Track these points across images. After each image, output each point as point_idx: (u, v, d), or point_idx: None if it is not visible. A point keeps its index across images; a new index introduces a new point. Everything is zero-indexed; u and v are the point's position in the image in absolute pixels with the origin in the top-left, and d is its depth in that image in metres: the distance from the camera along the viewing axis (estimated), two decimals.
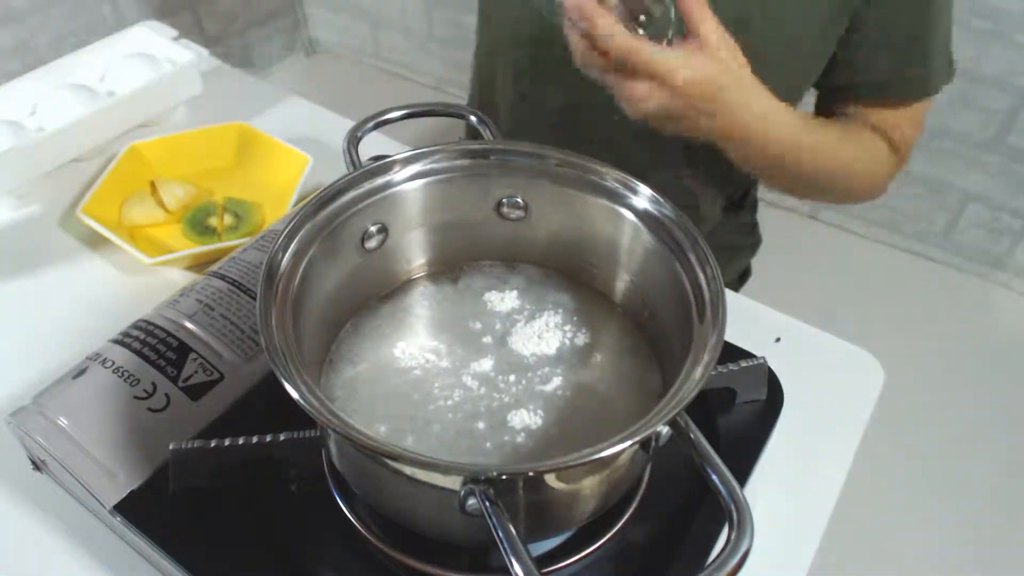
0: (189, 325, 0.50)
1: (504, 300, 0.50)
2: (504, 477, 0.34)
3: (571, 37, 0.54)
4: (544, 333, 0.47)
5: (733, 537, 0.32)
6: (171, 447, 0.43)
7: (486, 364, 0.46)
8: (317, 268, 0.43)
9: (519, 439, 0.42)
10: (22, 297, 0.63)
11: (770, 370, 0.52)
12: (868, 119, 0.76)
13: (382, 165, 0.46)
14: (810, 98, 0.79)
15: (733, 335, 0.47)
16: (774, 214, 0.91)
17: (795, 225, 1.64)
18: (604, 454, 0.33)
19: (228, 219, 0.69)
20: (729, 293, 0.43)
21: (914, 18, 0.71)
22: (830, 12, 0.69)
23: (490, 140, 0.51)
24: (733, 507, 0.32)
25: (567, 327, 0.48)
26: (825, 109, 0.79)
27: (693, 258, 0.42)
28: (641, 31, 0.54)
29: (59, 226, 0.69)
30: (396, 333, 0.48)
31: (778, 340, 0.60)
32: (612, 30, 0.52)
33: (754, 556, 0.31)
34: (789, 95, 0.75)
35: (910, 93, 0.75)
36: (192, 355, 0.49)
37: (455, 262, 0.52)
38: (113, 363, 0.48)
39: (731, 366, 0.50)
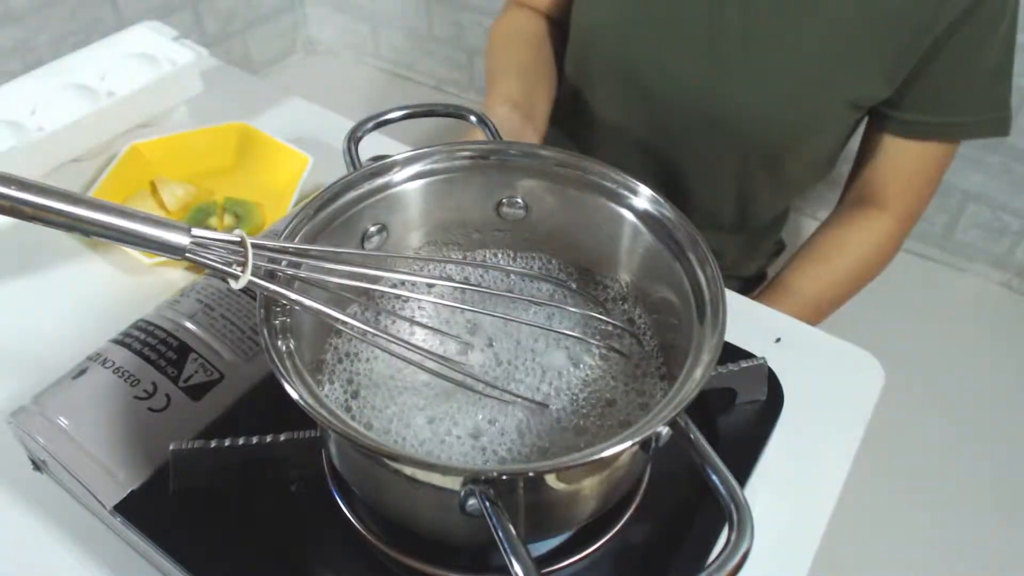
0: (189, 325, 0.50)
1: (505, 294, 0.50)
2: (504, 477, 0.34)
3: None
4: (544, 331, 0.47)
5: (733, 537, 0.31)
6: (171, 447, 0.44)
7: (487, 360, 0.46)
8: (317, 268, 0.43)
9: (521, 436, 0.42)
10: (22, 297, 0.63)
11: (770, 370, 0.52)
12: (898, 156, 0.78)
13: (382, 165, 0.46)
14: None
15: (733, 335, 0.47)
16: None
17: (795, 225, 1.63)
18: (604, 454, 0.33)
19: (228, 219, 0.69)
20: (729, 293, 0.43)
21: (964, 71, 0.72)
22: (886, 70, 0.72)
23: (490, 140, 0.51)
24: (733, 507, 0.32)
25: (567, 325, 0.48)
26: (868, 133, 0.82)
27: (693, 258, 0.42)
28: None
29: None
30: (397, 330, 0.48)
31: (778, 340, 0.60)
32: None
33: (754, 556, 0.31)
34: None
35: (950, 136, 0.77)
36: (192, 355, 0.49)
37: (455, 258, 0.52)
38: (113, 363, 0.48)
39: (731, 366, 0.50)
